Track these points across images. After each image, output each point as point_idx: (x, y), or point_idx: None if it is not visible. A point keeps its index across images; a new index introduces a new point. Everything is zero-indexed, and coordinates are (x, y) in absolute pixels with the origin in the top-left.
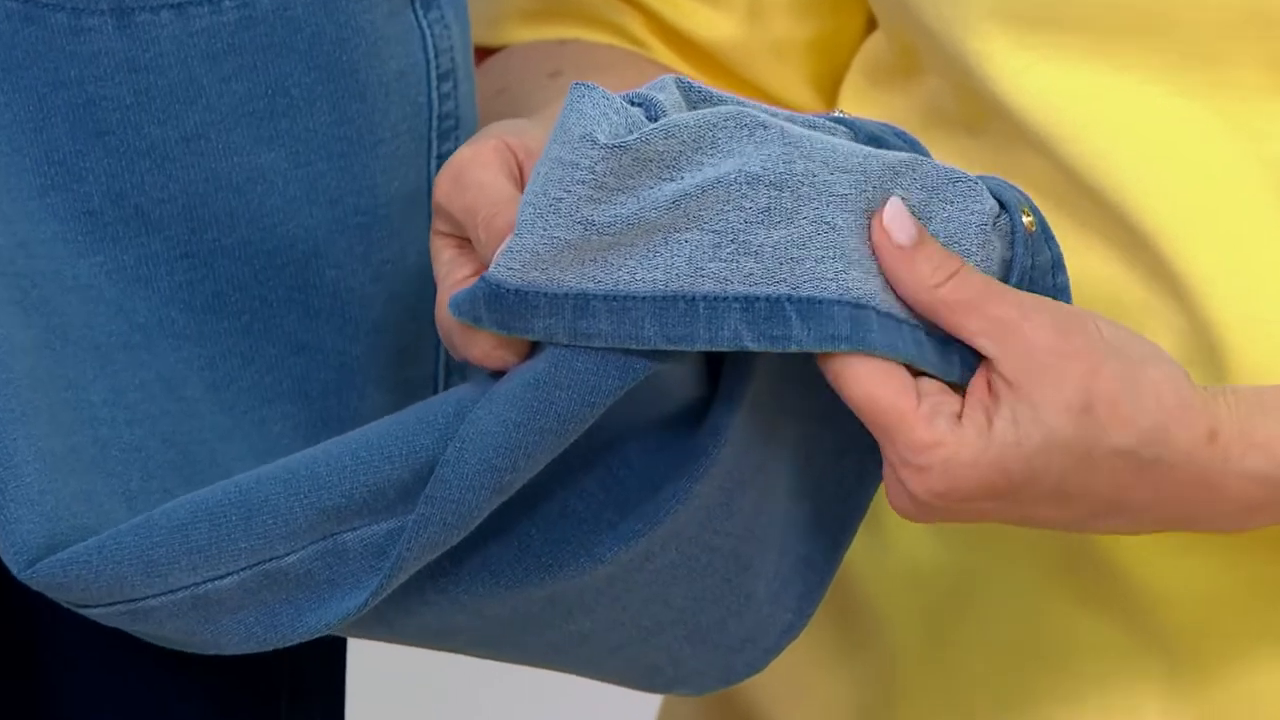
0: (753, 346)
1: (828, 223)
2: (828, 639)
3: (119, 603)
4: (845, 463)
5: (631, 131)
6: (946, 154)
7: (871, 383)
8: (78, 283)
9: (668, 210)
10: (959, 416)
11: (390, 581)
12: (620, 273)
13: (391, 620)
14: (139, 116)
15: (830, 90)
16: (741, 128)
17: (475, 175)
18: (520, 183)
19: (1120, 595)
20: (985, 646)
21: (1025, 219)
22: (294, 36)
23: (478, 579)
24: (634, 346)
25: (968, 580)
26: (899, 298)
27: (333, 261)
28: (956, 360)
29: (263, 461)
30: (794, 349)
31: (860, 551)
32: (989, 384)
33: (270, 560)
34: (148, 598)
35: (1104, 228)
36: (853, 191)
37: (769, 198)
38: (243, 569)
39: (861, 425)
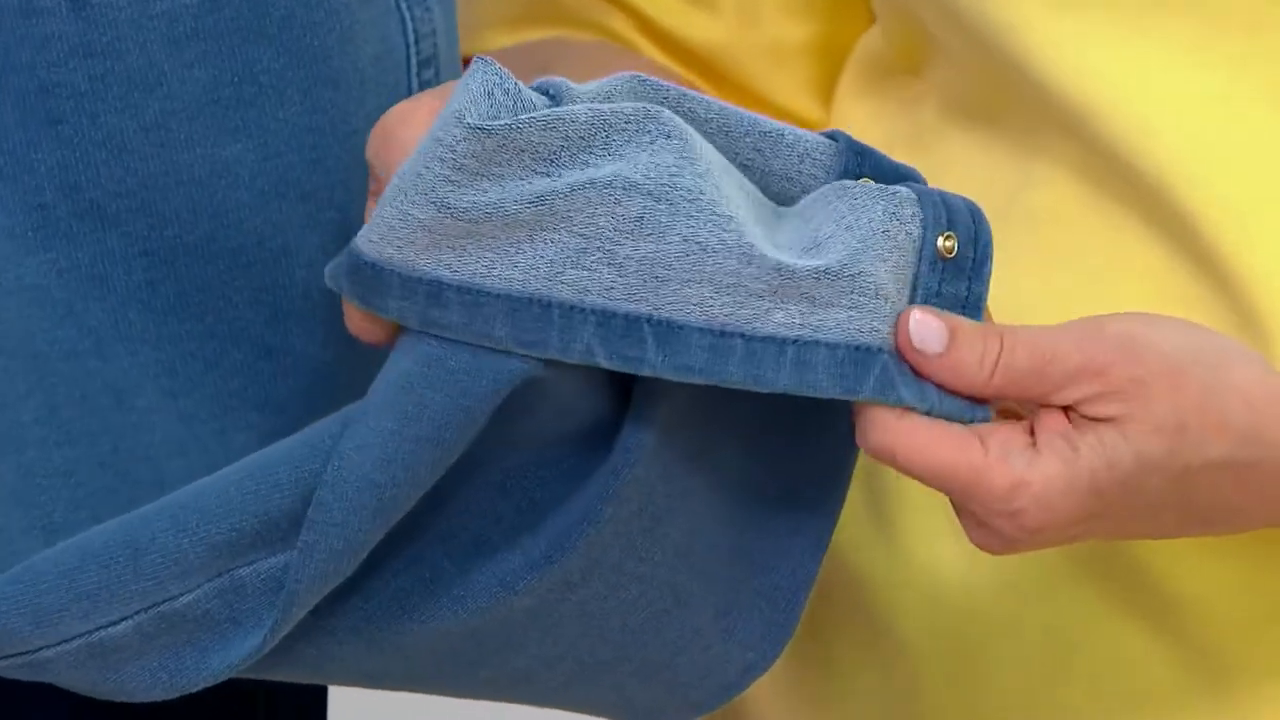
0: (604, 364)
1: (699, 243)
2: (843, 657)
3: (12, 655)
4: (798, 497)
5: (517, 115)
6: (966, 149)
7: (930, 449)
8: (20, 284)
9: (532, 206)
10: (1033, 445)
11: (287, 616)
12: (477, 264)
13: (311, 661)
14: (95, 104)
15: (826, 92)
16: (642, 132)
17: (403, 135)
18: None
19: (1161, 606)
20: (1016, 664)
21: (944, 241)
22: (262, 20)
23: (389, 615)
24: (487, 345)
25: (995, 591)
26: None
27: (304, 260)
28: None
29: None
30: (647, 373)
31: (875, 562)
32: (1065, 413)
33: (165, 602)
34: (41, 649)
35: (1144, 212)
36: (741, 213)
37: (643, 207)
38: (136, 613)
39: (811, 456)
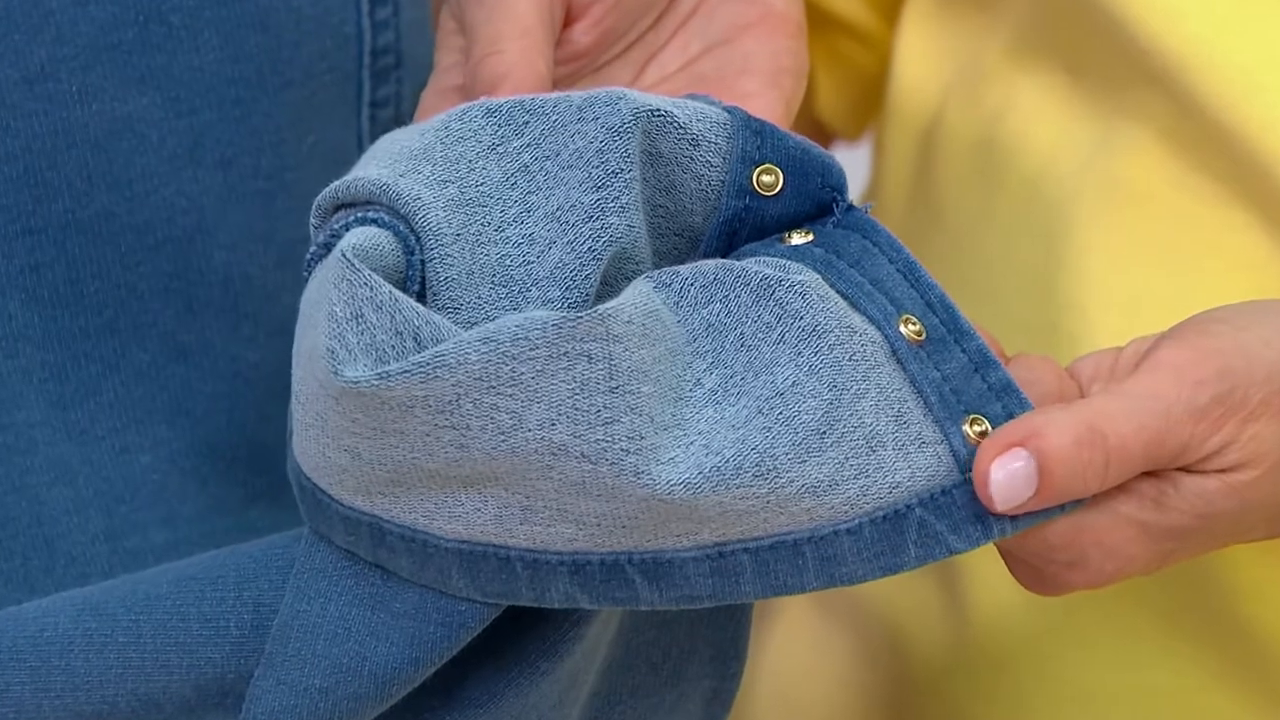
0: (592, 607)
1: (661, 500)
2: None
3: None
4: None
5: (398, 334)
6: (1034, 98)
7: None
8: None
9: (453, 465)
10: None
11: None
12: (416, 514)
13: None
14: None
15: (889, 3)
16: (556, 358)
17: None
18: (553, 21)
19: (1252, 664)
20: None
21: (907, 328)
22: None
23: None
24: (445, 591)
25: (1061, 652)
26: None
27: (223, 240)
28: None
29: (113, 513)
30: (645, 608)
31: (936, 624)
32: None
33: None
34: None
35: (1243, 185)
36: (699, 415)
37: (582, 472)
38: None
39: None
